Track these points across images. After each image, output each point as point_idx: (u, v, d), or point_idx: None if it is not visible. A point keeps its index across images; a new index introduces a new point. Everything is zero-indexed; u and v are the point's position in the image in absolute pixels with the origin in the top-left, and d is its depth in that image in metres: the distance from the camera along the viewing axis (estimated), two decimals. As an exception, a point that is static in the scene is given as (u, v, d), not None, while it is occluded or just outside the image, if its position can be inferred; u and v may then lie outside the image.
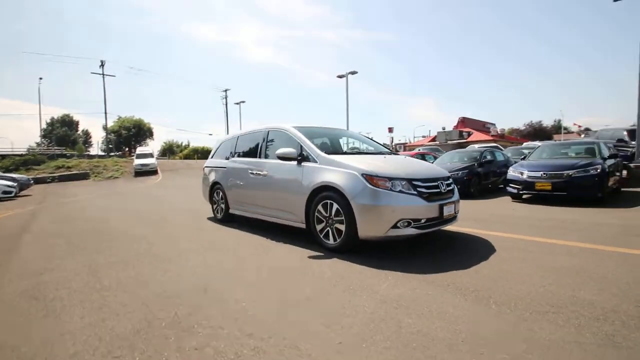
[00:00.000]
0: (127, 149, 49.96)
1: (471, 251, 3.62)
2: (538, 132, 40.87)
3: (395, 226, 3.35)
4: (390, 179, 3.48)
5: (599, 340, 1.82)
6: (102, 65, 34.52)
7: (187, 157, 48.10)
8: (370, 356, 1.72)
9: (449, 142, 33.38)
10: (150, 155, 27.08)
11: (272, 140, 5.02)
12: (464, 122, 37.01)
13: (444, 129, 37.00)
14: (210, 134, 60.52)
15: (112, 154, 38.25)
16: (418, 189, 3.53)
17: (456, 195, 4.01)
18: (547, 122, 45.82)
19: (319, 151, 4.14)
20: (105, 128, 37.56)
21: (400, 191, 3.44)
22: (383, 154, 4.65)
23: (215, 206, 6.25)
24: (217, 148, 6.54)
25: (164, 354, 1.80)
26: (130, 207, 8.79)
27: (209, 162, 6.67)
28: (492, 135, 33.56)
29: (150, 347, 1.87)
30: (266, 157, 4.97)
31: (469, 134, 34.06)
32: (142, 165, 24.51)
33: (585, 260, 3.15)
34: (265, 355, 1.76)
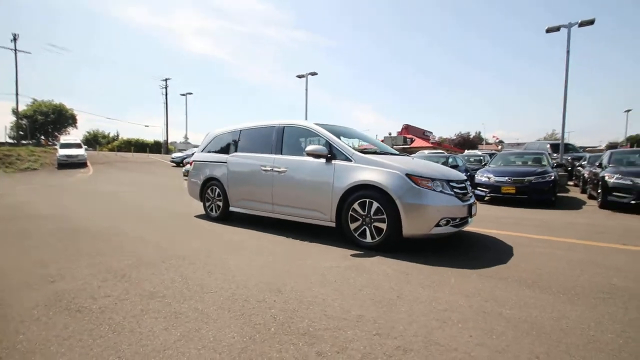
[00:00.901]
0: (42, 137, 43.16)
1: (490, 247, 3.96)
2: (466, 142, 45.65)
3: (437, 224, 3.53)
4: (432, 179, 3.65)
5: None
6: (15, 39, 29.45)
7: (119, 149, 43.39)
8: (515, 346, 1.81)
9: (394, 147, 35.51)
10: (78, 145, 23.89)
11: (289, 137, 4.86)
12: (407, 129, 39.74)
13: (390, 134, 39.25)
14: (146, 126, 55.31)
15: (26, 142, 32.72)
16: (454, 190, 3.76)
17: (473, 196, 4.35)
18: (471, 133, 51.63)
19: (352, 150, 4.13)
20: (15, 112, 31.95)
21: (441, 191, 3.62)
22: (399, 155, 4.81)
23: (208, 204, 5.81)
24: (210, 142, 6.09)
25: (306, 361, 1.66)
26: (87, 204, 7.66)
27: (198, 156, 6.17)
28: (432, 143, 36.66)
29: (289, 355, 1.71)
30: (282, 153, 4.79)
31: (412, 140, 36.69)
32: (68, 156, 21.49)
33: (590, 254, 3.68)
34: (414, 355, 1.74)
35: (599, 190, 7.35)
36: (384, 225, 3.64)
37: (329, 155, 4.16)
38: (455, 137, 49.23)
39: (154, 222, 5.53)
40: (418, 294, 2.52)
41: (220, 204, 5.57)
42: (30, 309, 2.24)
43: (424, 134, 41.42)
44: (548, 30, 14.07)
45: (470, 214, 3.87)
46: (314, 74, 22.58)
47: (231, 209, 5.42)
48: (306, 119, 20.52)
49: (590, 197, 9.05)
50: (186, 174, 17.88)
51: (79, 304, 2.31)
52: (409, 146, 35.34)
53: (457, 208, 3.67)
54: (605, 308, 2.30)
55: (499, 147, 39.93)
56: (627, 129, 45.30)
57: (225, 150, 5.74)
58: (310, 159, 4.38)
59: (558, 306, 2.32)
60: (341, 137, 4.50)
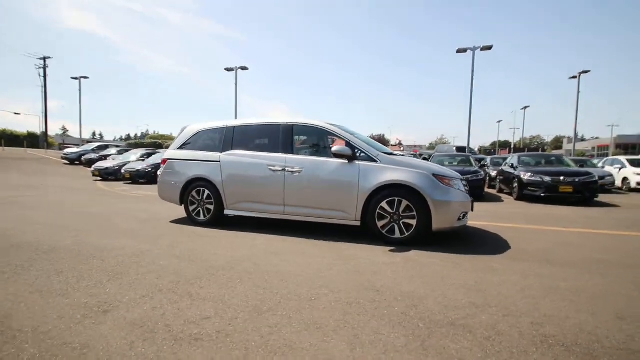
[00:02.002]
0: None
1: (480, 236, 4.68)
2: (380, 142, 50.25)
3: (459, 218, 4.02)
4: (452, 178, 4.12)
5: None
6: None
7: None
8: (588, 303, 2.31)
9: (317, 146, 36.71)
10: None
11: (300, 136, 4.76)
12: (327, 129, 41.44)
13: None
14: (17, 113, 44.47)
15: None
16: (465, 187, 4.32)
17: None
18: (378, 134, 57.10)
19: (377, 151, 4.33)
20: None
21: (458, 189, 4.13)
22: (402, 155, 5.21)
23: (193, 207, 5.23)
24: (190, 138, 5.48)
25: None
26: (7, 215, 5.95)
27: (175, 154, 5.50)
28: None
29: None
30: (293, 152, 4.67)
31: (333, 141, 38.42)
32: None
33: (585, 240, 4.67)
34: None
35: (515, 186, 9.19)
36: (413, 222, 3.96)
37: (352, 156, 4.28)
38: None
39: (135, 233, 4.72)
40: (488, 279, 2.89)
41: (211, 207, 5.08)
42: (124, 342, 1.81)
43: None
44: (458, 51, 16.62)
45: (472, 208, 4.50)
46: (244, 68, 21.74)
47: (227, 212, 5.01)
48: (236, 117, 19.93)
49: (500, 191, 11.19)
50: (97, 173, 15.35)
51: (176, 335, 1.96)
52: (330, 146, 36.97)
53: (469, 203, 4.23)
54: (630, 278, 3.06)
55: (401, 148, 45.56)
56: (499, 136, 56.53)
57: (212, 148, 5.25)
58: (330, 159, 4.42)
59: (593, 281, 2.96)
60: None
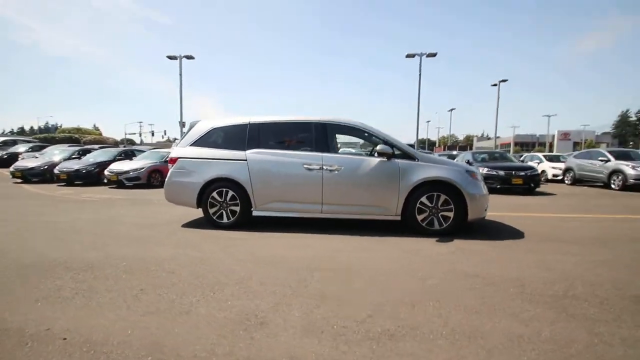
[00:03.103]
0: None
1: (501, 225, 5.36)
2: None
3: (485, 209, 4.57)
4: (478, 174, 4.65)
5: None
6: None
7: None
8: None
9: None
10: None
11: (334, 134, 4.82)
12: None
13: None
14: None
15: None
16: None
17: None
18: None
19: (414, 150, 4.63)
20: None
21: (483, 183, 4.67)
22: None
23: (214, 210, 4.90)
24: (203, 135, 5.10)
25: None
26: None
27: (187, 152, 5.07)
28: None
29: None
30: (329, 151, 4.71)
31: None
32: None
33: (567, 222, 5.60)
34: None
35: (473, 179, 10.47)
36: (450, 214, 4.38)
37: (392, 154, 4.51)
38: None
39: (158, 240, 4.26)
40: (541, 258, 3.42)
41: (237, 208, 4.83)
42: None
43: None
44: (407, 56, 17.99)
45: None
46: (190, 57, 20.21)
47: (256, 213, 4.82)
48: (181, 110, 18.55)
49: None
50: (19, 174, 12.78)
51: None
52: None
53: (488, 196, 4.82)
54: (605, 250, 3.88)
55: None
56: (427, 134, 62.37)
57: (233, 145, 4.98)
58: (368, 157, 4.61)
59: (619, 253, 3.70)
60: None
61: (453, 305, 2.34)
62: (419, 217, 4.44)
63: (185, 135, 5.31)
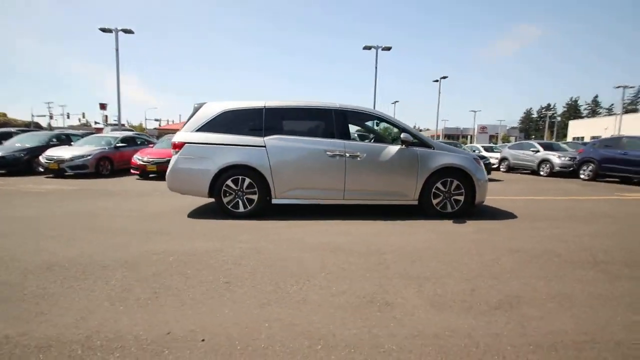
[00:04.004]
0: None
1: (494, 208, 6.00)
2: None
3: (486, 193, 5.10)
4: (480, 161, 5.14)
5: None
6: None
7: None
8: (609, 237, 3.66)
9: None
10: None
11: (352, 121, 4.85)
12: (214, 111, 38.59)
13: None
14: None
15: None
16: (481, 169, 5.43)
17: None
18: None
19: (430, 139, 4.90)
20: None
21: (484, 169, 5.19)
22: None
23: (229, 199, 4.62)
24: (212, 118, 4.73)
25: None
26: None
27: (197, 137, 4.68)
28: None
29: None
30: (349, 138, 4.76)
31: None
32: None
33: (547, 204, 6.43)
34: None
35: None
36: (461, 198, 4.81)
37: (411, 142, 4.74)
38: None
39: (181, 233, 3.89)
40: (550, 233, 4.00)
41: (254, 196, 4.62)
42: None
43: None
44: (364, 48, 18.51)
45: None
46: (128, 31, 17.95)
47: (276, 200, 4.67)
48: (118, 91, 16.86)
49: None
50: None
51: None
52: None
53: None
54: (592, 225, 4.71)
55: None
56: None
57: (247, 130, 4.72)
58: (388, 145, 4.78)
59: (575, 224, 4.48)
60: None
61: (529, 276, 2.65)
62: (434, 201, 4.79)
63: (189, 118, 4.84)
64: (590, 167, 10.77)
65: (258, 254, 3.09)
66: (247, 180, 4.61)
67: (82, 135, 12.89)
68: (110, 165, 10.54)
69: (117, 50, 17.92)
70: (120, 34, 17.83)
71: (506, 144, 18.49)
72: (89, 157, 9.86)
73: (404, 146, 4.73)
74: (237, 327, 1.83)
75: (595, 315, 2.04)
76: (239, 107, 4.79)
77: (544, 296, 2.28)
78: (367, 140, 5.45)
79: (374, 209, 5.20)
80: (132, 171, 9.98)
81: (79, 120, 52.30)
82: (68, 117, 47.05)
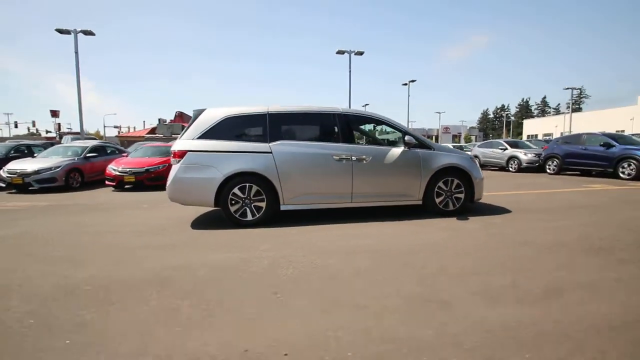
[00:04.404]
0: None
1: (489, 204, 6.30)
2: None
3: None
4: (476, 161, 5.40)
5: None
6: None
7: None
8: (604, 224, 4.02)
9: (173, 135, 32.56)
10: None
11: (355, 125, 4.90)
12: (181, 116, 37.08)
13: (163, 121, 35.21)
14: None
15: None
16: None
17: None
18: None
19: (429, 140, 5.07)
20: None
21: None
22: None
23: (236, 207, 4.48)
24: (214, 125, 4.58)
25: None
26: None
27: (199, 144, 4.52)
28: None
29: None
30: (353, 142, 4.82)
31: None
32: None
33: (540, 197, 6.83)
34: None
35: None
36: (461, 196, 5.02)
37: (414, 144, 4.88)
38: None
39: (185, 246, 3.71)
40: (554, 225, 4.29)
41: (262, 204, 4.53)
42: None
43: (195, 123, 40.37)
44: (338, 52, 18.79)
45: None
46: (89, 33, 16.86)
47: (284, 207, 4.60)
48: (79, 97, 16.01)
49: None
50: None
51: None
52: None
53: (481, 180, 5.64)
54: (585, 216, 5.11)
55: None
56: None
57: (251, 137, 4.65)
58: (391, 147, 4.88)
59: (564, 215, 4.86)
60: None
61: (551, 267, 2.84)
62: (437, 200, 4.96)
63: (189, 125, 4.64)
64: (555, 162, 11.68)
65: (289, 262, 3.03)
66: (255, 188, 4.50)
67: (45, 146, 11.88)
68: (80, 177, 9.81)
69: (76, 53, 16.74)
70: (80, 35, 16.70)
71: (474, 143, 19.53)
72: (58, 170, 9.10)
73: (406, 148, 4.86)
74: (311, 338, 1.79)
75: (629, 298, 2.23)
76: (241, 113, 4.68)
77: (574, 285, 2.45)
78: (362, 143, 5.53)
79: (375, 211, 5.27)
80: (107, 182, 9.36)
81: (28, 129, 48.01)
82: (16, 127, 42.97)
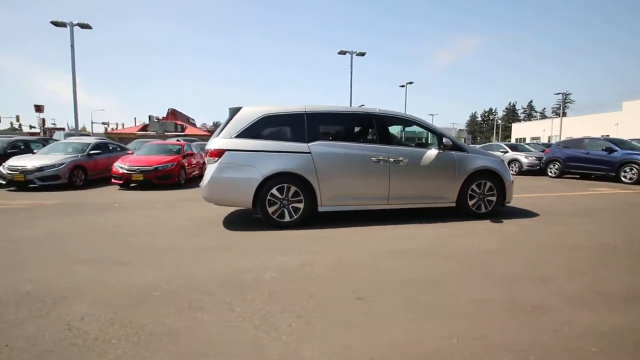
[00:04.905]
0: None
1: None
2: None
3: (511, 193, 5.42)
4: (506, 164, 5.46)
5: None
6: None
7: None
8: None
9: (166, 133, 31.89)
10: None
11: (390, 126, 4.88)
12: (173, 114, 36.33)
13: (156, 119, 34.38)
14: None
15: None
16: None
17: None
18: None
19: (464, 143, 5.08)
20: None
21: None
22: None
23: (274, 208, 4.38)
24: (252, 123, 4.47)
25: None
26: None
27: (238, 143, 4.40)
28: (208, 131, 36.11)
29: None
30: (391, 143, 4.79)
31: (183, 128, 34.32)
32: None
33: (554, 200, 6.93)
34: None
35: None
36: (493, 198, 5.05)
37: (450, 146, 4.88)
38: (211, 126, 50.22)
39: (236, 248, 3.60)
40: (581, 228, 4.36)
41: (300, 205, 4.44)
42: None
43: (188, 121, 39.57)
44: (339, 53, 18.78)
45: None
46: (86, 25, 16.30)
47: (322, 209, 4.53)
48: (74, 90, 15.54)
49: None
50: None
51: None
52: (182, 133, 32.88)
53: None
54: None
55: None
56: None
57: (289, 136, 4.57)
58: (425, 149, 4.87)
59: (586, 219, 4.96)
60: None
61: (614, 269, 2.87)
62: (470, 203, 4.98)
63: (225, 124, 4.52)
64: (557, 165, 11.96)
65: (351, 266, 2.97)
66: (293, 189, 4.41)
67: (43, 143, 11.42)
68: (84, 175, 9.46)
69: (72, 46, 16.17)
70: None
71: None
72: (62, 167, 8.75)
73: (442, 150, 4.86)
74: (429, 346, 1.74)
75: None
76: (279, 112, 4.58)
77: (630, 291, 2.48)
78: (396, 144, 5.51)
79: (404, 213, 5.23)
80: (113, 180, 9.04)
81: (11, 124, 46.12)
82: (-1, 121, 41.20)
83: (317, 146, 4.50)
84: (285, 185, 4.40)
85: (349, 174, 4.58)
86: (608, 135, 35.14)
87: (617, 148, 10.24)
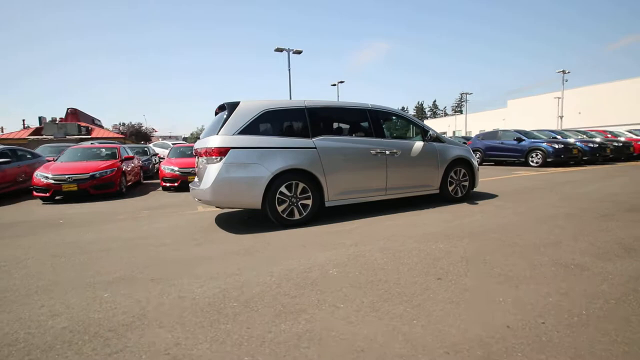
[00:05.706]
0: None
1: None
2: (139, 133, 42.81)
3: (476, 179, 6.19)
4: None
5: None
6: None
7: None
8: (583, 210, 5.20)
9: (67, 136, 27.22)
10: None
11: (383, 120, 5.11)
12: (75, 114, 30.97)
13: (55, 120, 28.93)
14: None
15: None
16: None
17: None
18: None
19: (441, 134, 5.60)
20: None
21: (470, 160, 6.25)
22: None
23: (283, 207, 4.26)
24: (253, 119, 4.27)
25: None
26: None
27: (242, 140, 4.16)
28: (122, 133, 31.66)
29: None
30: (384, 136, 5.04)
31: (90, 130, 29.70)
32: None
33: (508, 181, 7.93)
34: None
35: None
36: (467, 183, 5.73)
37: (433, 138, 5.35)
38: (125, 127, 44.37)
39: (264, 251, 3.40)
40: (545, 202, 5.25)
41: (308, 201, 4.39)
42: None
43: (94, 122, 34.27)
44: (276, 50, 18.60)
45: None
46: None
47: (329, 204, 4.53)
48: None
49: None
50: None
51: None
52: (88, 136, 28.44)
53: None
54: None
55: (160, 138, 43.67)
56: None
57: (291, 132, 4.47)
58: (412, 141, 5.27)
59: (539, 196, 6.04)
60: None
61: (595, 230, 3.58)
62: (450, 188, 5.56)
63: (225, 120, 4.17)
64: (478, 154, 13.89)
65: (402, 252, 3.09)
66: (301, 185, 4.33)
67: None
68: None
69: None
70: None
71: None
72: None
73: (426, 142, 5.32)
74: (543, 300, 1.97)
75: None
76: (279, 107, 4.43)
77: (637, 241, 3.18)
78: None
79: (391, 203, 5.55)
80: (35, 193, 7.47)
81: None
82: None
83: (322, 141, 4.49)
84: (294, 182, 4.29)
85: (353, 167, 4.69)
86: (498, 129, 42.57)
87: (525, 137, 12.43)
